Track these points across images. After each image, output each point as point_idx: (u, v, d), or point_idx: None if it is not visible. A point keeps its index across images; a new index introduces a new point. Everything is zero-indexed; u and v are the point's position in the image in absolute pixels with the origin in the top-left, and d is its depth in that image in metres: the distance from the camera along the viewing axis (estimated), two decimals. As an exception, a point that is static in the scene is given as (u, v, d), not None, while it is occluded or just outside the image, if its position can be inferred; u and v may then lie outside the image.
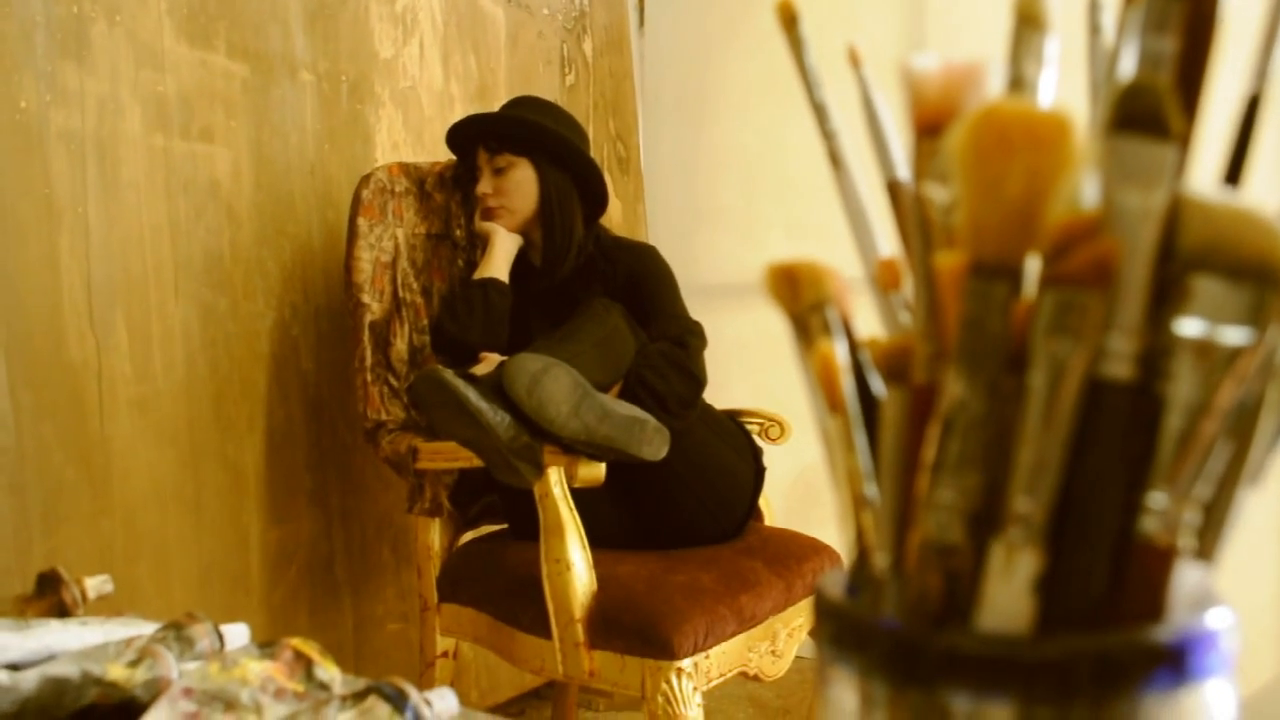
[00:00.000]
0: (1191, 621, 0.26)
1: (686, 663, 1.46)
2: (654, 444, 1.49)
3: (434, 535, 1.80)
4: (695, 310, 1.85)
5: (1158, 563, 0.26)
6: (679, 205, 2.82)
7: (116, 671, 0.65)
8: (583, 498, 1.56)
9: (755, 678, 1.68)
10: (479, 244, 1.97)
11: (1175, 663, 0.26)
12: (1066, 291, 0.25)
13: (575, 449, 1.49)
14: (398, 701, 0.61)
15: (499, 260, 1.84)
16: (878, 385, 0.31)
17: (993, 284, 0.26)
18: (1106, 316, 0.26)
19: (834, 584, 0.30)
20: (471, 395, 1.38)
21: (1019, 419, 0.26)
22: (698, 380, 1.70)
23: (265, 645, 0.71)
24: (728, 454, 1.77)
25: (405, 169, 1.92)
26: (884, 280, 0.34)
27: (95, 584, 0.91)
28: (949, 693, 0.26)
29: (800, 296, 0.30)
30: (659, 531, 1.70)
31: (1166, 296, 0.27)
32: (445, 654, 1.81)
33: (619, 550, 1.66)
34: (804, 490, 2.60)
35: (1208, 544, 0.27)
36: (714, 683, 1.58)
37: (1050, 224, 0.26)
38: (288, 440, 1.89)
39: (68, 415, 1.58)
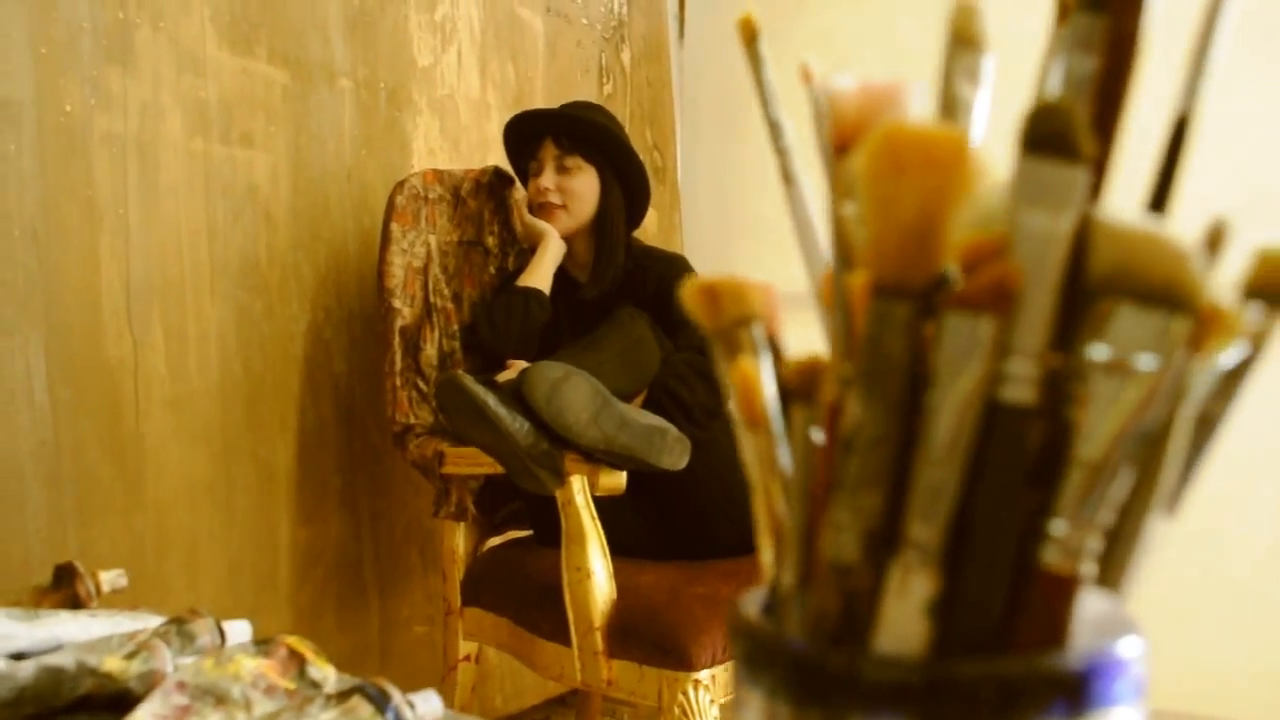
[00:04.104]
0: (1094, 649, 0.26)
1: (704, 674, 1.46)
2: (674, 454, 1.49)
3: (459, 540, 1.82)
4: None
5: (1058, 590, 0.26)
6: (715, 215, 2.82)
7: (112, 663, 0.67)
8: (606, 506, 1.57)
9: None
10: (519, 244, 1.99)
11: (1074, 691, 0.26)
12: (965, 314, 0.25)
13: (595, 457, 1.49)
14: (380, 702, 0.62)
15: (547, 267, 1.85)
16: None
17: (892, 304, 0.26)
18: (1008, 340, 0.26)
19: (751, 603, 0.30)
20: (491, 401, 1.39)
21: (918, 441, 0.26)
22: (723, 390, 1.70)
23: (261, 643, 0.73)
24: (743, 468, 1.76)
25: (439, 176, 1.94)
26: (826, 296, 0.35)
27: (110, 578, 0.93)
28: (846, 714, 0.26)
29: (722, 313, 0.30)
30: (682, 541, 1.70)
31: (1077, 320, 0.27)
32: (468, 658, 1.82)
33: (641, 559, 1.66)
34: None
35: (1113, 572, 0.27)
36: (731, 696, 1.57)
37: (950, 245, 0.26)
38: (319, 442, 1.91)
39: (104, 412, 1.62)
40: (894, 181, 0.25)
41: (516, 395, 1.43)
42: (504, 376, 1.65)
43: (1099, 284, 0.26)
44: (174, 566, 1.70)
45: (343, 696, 0.63)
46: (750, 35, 0.40)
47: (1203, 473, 0.28)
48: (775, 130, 0.38)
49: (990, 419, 0.26)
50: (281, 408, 1.86)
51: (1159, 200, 0.29)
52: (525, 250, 1.98)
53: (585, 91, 2.52)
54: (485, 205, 2.00)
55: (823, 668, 0.26)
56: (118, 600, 0.95)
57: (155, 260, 1.68)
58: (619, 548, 1.58)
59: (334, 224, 1.94)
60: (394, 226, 1.85)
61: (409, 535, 2.06)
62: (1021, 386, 0.26)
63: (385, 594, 2.02)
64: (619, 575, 1.54)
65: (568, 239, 1.89)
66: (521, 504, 1.86)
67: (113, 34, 1.64)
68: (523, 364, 1.69)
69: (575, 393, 1.43)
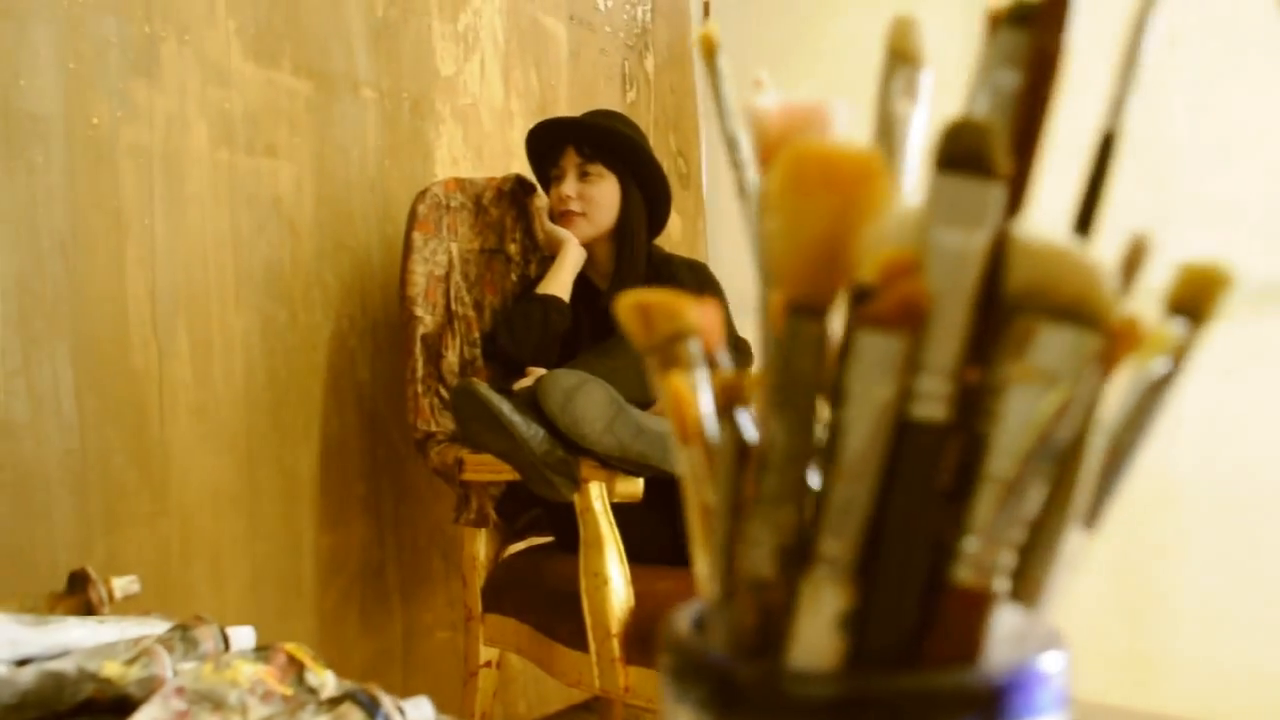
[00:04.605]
0: (1007, 664, 0.26)
1: (719, 681, 1.45)
2: (690, 461, 1.49)
3: (480, 546, 1.83)
4: (752, 328, 1.85)
5: (970, 605, 0.26)
6: (739, 221, 2.81)
7: (111, 669, 0.68)
8: (625, 513, 1.57)
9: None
10: (540, 251, 2.00)
11: (987, 705, 0.26)
12: (876, 332, 0.26)
13: (612, 464, 1.50)
14: (370, 708, 0.63)
15: (566, 275, 1.86)
16: (742, 418, 0.32)
17: (802, 322, 0.26)
18: (919, 357, 0.26)
19: (684, 617, 0.30)
20: (505, 409, 1.40)
21: (830, 458, 0.26)
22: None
23: (261, 649, 0.74)
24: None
25: (461, 184, 1.96)
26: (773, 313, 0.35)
27: (122, 584, 0.94)
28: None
29: (654, 330, 0.30)
30: (699, 548, 1.70)
31: (995, 336, 0.27)
32: (489, 664, 1.83)
33: (659, 566, 1.66)
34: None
35: (1028, 588, 0.27)
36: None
37: (863, 262, 0.26)
38: (342, 449, 1.93)
39: (130, 420, 1.65)
40: (799, 200, 0.25)
41: (532, 403, 1.44)
42: (522, 384, 1.66)
43: (1015, 301, 0.26)
44: (199, 572, 1.72)
45: (334, 703, 0.64)
46: (710, 50, 0.40)
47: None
48: (731, 145, 0.39)
49: (901, 436, 0.26)
50: (305, 415, 1.88)
51: (1085, 216, 0.29)
52: (547, 258, 1.99)
53: (609, 99, 2.53)
54: (507, 213, 2.02)
55: (738, 681, 0.26)
56: (131, 606, 0.97)
57: (181, 270, 1.71)
58: (637, 554, 1.58)
59: (357, 233, 1.96)
60: (416, 235, 1.87)
61: (432, 541, 2.08)
62: (932, 404, 0.26)
63: (408, 600, 2.03)
64: (637, 582, 1.55)
65: (589, 246, 1.90)
66: (543, 510, 1.87)
67: (139, 48, 1.66)
68: (541, 371, 1.70)
69: (590, 400, 1.43)
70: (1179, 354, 0.27)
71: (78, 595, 0.92)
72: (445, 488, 1.99)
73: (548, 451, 1.45)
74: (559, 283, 1.85)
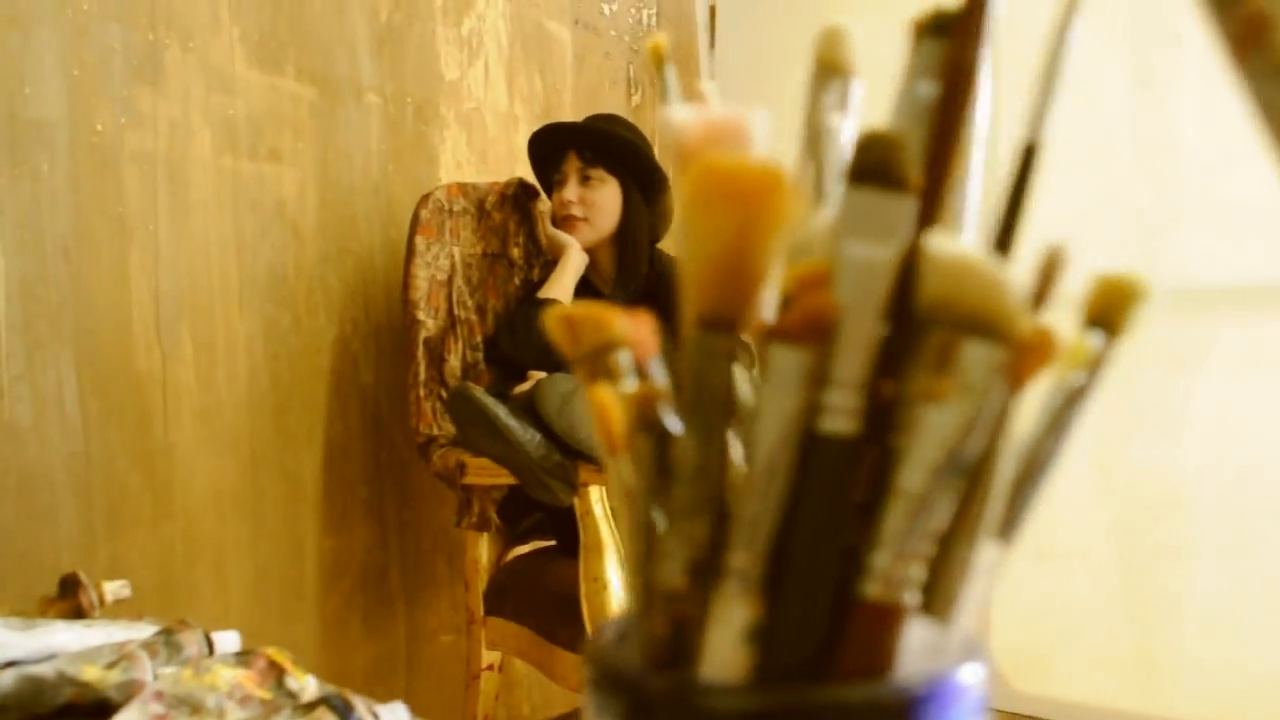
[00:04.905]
0: (918, 677, 0.26)
1: (717, 685, 1.45)
2: (688, 465, 1.49)
3: (482, 550, 1.83)
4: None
5: (880, 619, 0.26)
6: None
7: (91, 673, 0.69)
8: (623, 517, 1.57)
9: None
10: (544, 255, 2.00)
11: (897, 719, 0.26)
12: (784, 346, 0.26)
13: (609, 468, 1.50)
14: (344, 712, 0.63)
15: (568, 280, 1.87)
16: (674, 427, 0.32)
17: (710, 336, 0.26)
18: (828, 371, 0.26)
19: (609, 629, 0.31)
20: (501, 413, 1.41)
21: (741, 471, 0.26)
22: None
23: (243, 654, 0.74)
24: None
25: (464, 189, 1.97)
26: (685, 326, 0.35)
27: (113, 588, 0.95)
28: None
29: (580, 341, 0.30)
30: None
31: (907, 349, 0.27)
32: (491, 667, 1.83)
33: (659, 570, 1.66)
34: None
35: (940, 601, 0.27)
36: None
37: (774, 275, 0.26)
38: (346, 452, 1.94)
39: (133, 423, 1.66)
40: (703, 214, 0.25)
41: (529, 407, 1.45)
42: (521, 388, 1.66)
43: (926, 314, 0.26)
44: (202, 576, 1.73)
45: (310, 707, 0.65)
46: (658, 60, 0.40)
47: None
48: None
49: (809, 449, 0.26)
50: (309, 419, 1.89)
51: (1006, 229, 0.29)
52: (550, 262, 1.99)
53: (614, 103, 2.53)
54: (510, 217, 2.02)
55: (650, 694, 0.27)
56: (128, 609, 0.97)
57: (184, 275, 1.72)
58: (636, 559, 1.57)
59: (361, 238, 1.97)
60: (418, 239, 1.87)
61: (436, 545, 2.09)
62: (841, 417, 0.26)
63: (412, 603, 2.04)
64: (635, 586, 1.55)
65: (591, 250, 1.90)
66: (545, 514, 1.87)
67: (143, 55, 1.68)
68: (542, 375, 1.71)
69: (586, 405, 1.43)
70: (1094, 366, 0.27)
71: (69, 599, 0.92)
72: (448, 491, 1.99)
73: (544, 456, 1.46)
74: (561, 287, 1.85)
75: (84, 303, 1.61)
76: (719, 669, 0.26)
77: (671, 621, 0.27)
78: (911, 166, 0.26)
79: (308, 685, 0.74)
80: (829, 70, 0.32)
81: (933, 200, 0.28)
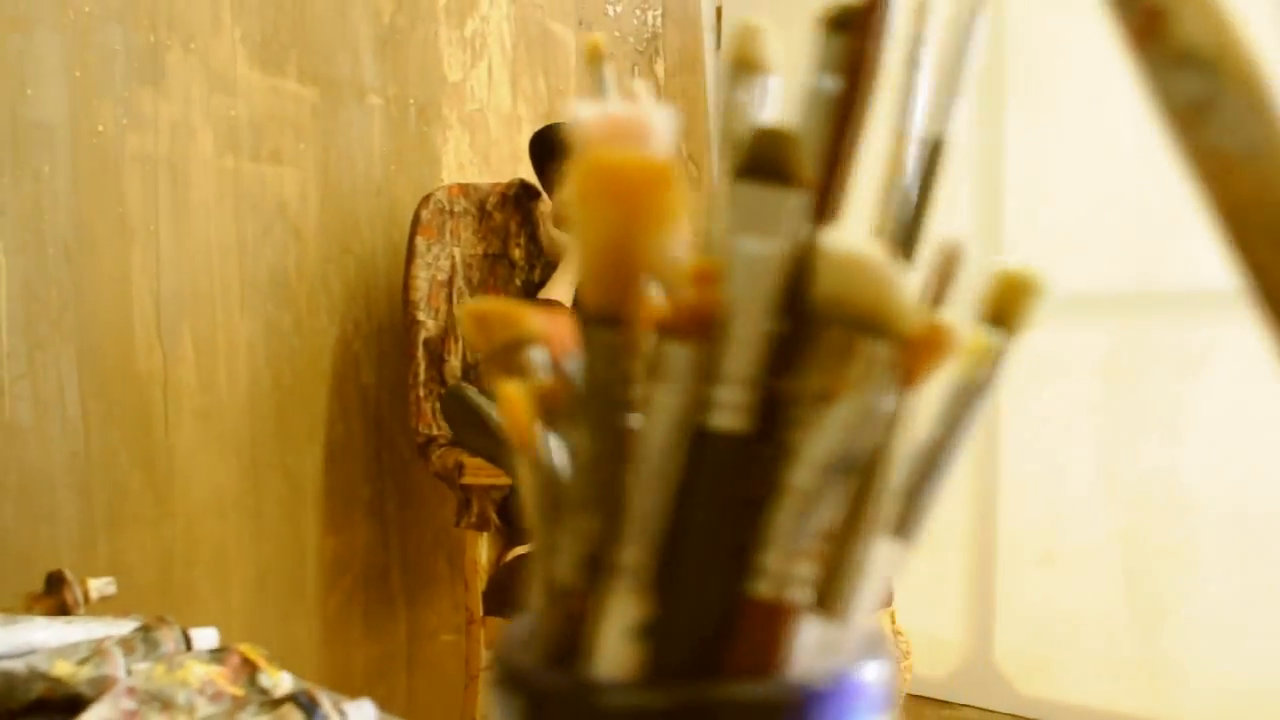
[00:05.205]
0: (808, 675, 0.26)
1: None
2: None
3: (482, 549, 1.83)
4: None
5: (770, 617, 0.26)
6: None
7: (63, 668, 0.69)
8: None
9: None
10: (544, 256, 2.01)
11: (787, 718, 0.26)
12: (674, 341, 0.26)
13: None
14: (309, 709, 0.63)
15: (569, 281, 1.87)
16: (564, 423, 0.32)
17: (598, 330, 0.26)
18: (718, 367, 0.26)
19: (518, 626, 0.31)
20: (493, 412, 1.41)
21: (629, 467, 0.26)
22: None
23: (216, 650, 0.75)
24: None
25: (465, 190, 1.97)
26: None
27: (99, 585, 0.96)
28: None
29: (491, 336, 0.31)
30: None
31: (801, 346, 0.27)
32: (490, 667, 1.83)
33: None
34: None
35: (833, 600, 0.26)
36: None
37: (659, 271, 0.26)
38: (347, 452, 1.95)
39: (134, 423, 1.67)
40: (588, 210, 0.25)
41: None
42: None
43: (820, 310, 0.26)
44: (203, 575, 1.74)
45: (276, 704, 0.65)
46: (596, 57, 0.40)
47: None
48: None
49: (698, 445, 0.26)
50: (310, 419, 1.89)
51: (914, 224, 0.29)
52: (551, 263, 2.00)
53: (619, 104, 2.53)
54: (511, 218, 2.03)
55: (542, 692, 0.27)
56: (120, 607, 0.98)
57: (185, 275, 1.73)
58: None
59: (363, 239, 1.98)
60: (419, 240, 1.88)
61: (437, 544, 2.09)
62: (730, 414, 0.26)
63: (413, 603, 2.05)
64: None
65: None
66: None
67: (144, 57, 1.69)
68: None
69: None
70: (990, 364, 0.27)
71: (54, 596, 0.93)
72: (449, 491, 2.00)
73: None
74: (561, 288, 1.86)
75: (85, 303, 1.62)
76: (609, 666, 0.26)
77: (566, 617, 0.27)
78: (802, 161, 0.26)
79: (281, 682, 0.74)
80: (745, 67, 0.32)
81: (829, 196, 0.27)
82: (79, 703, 0.69)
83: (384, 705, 0.72)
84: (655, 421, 0.26)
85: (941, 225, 0.31)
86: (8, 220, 1.54)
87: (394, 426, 2.01)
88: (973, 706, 2.40)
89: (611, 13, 2.51)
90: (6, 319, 1.54)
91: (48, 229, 1.59)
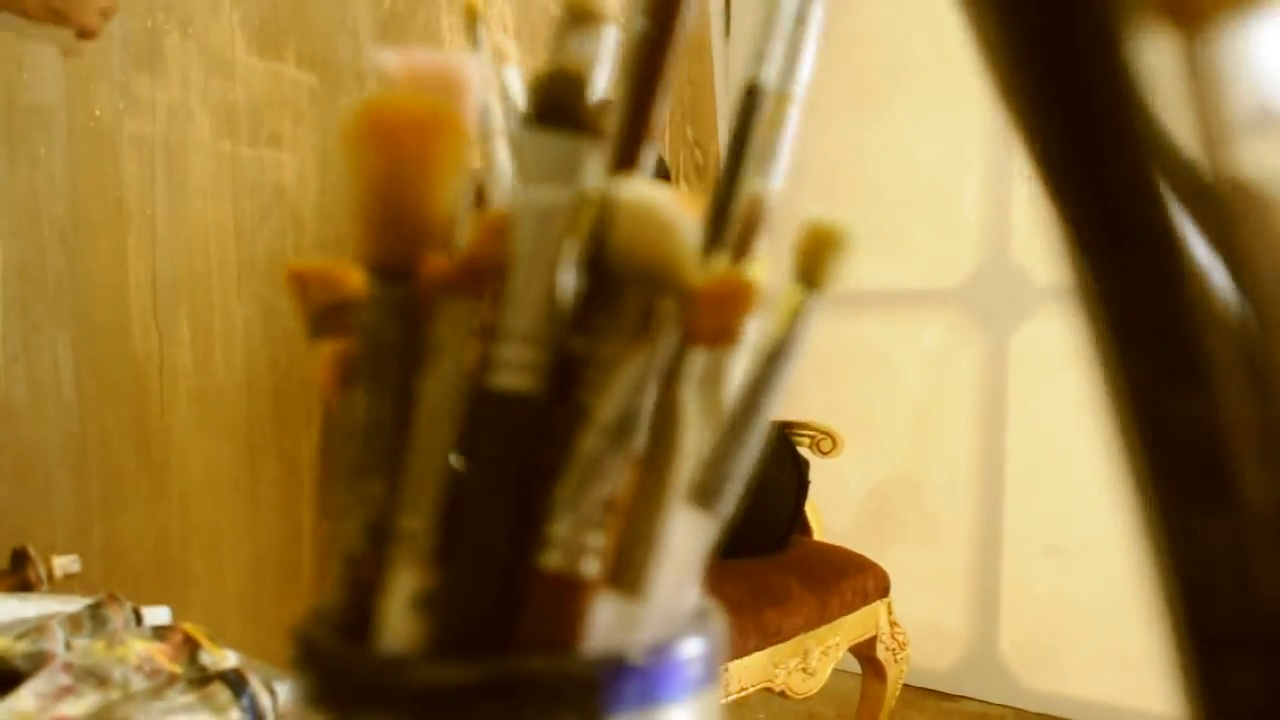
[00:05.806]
0: (601, 651, 0.25)
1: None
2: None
3: (476, 534, 1.83)
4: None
5: (562, 590, 0.25)
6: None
7: (-1, 644, 0.69)
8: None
9: (782, 694, 1.65)
10: None
11: (582, 694, 0.24)
12: (449, 297, 0.25)
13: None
14: (237, 688, 0.63)
15: None
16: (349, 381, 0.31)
17: (381, 286, 0.25)
18: (501, 323, 0.25)
19: (322, 601, 0.30)
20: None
21: (410, 429, 0.25)
22: None
23: (159, 628, 0.74)
24: (765, 466, 1.74)
25: (463, 175, 1.97)
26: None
27: (63, 563, 0.96)
28: (354, 716, 0.25)
29: (310, 298, 0.30)
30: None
31: (600, 304, 0.26)
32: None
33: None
34: (878, 505, 2.53)
35: (628, 572, 0.25)
36: (733, 696, 1.55)
37: (441, 223, 0.25)
38: (345, 436, 1.95)
39: (130, 405, 1.68)
40: (356, 155, 0.24)
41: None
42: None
43: (613, 263, 0.25)
44: (198, 557, 1.75)
45: (204, 681, 0.65)
46: (472, 16, 0.39)
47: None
48: (484, 115, 0.38)
49: (478, 406, 0.25)
50: (307, 402, 1.90)
51: (731, 170, 0.28)
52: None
53: (626, 89, 2.51)
54: (510, 203, 2.02)
55: (326, 664, 0.26)
56: (72, 584, 0.99)
57: (182, 259, 1.74)
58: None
59: (362, 223, 1.98)
60: (415, 225, 1.88)
61: (436, 530, 2.09)
62: (514, 372, 0.25)
63: (411, 587, 2.05)
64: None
65: None
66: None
67: (141, 41, 1.69)
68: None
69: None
70: (792, 321, 0.26)
71: (17, 573, 0.94)
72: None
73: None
74: None
75: (81, 285, 1.63)
76: (394, 638, 0.25)
77: (355, 587, 0.26)
78: (589, 106, 0.25)
79: (225, 659, 0.74)
80: (579, 18, 0.30)
81: (631, 144, 0.26)
82: (15, 677, 0.69)
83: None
84: (432, 380, 0.25)
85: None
86: (4, 203, 1.55)
87: (392, 411, 2.01)
88: (976, 699, 2.37)
89: (618, -3, 2.50)
90: (2, 301, 1.55)
91: (44, 212, 1.60)
